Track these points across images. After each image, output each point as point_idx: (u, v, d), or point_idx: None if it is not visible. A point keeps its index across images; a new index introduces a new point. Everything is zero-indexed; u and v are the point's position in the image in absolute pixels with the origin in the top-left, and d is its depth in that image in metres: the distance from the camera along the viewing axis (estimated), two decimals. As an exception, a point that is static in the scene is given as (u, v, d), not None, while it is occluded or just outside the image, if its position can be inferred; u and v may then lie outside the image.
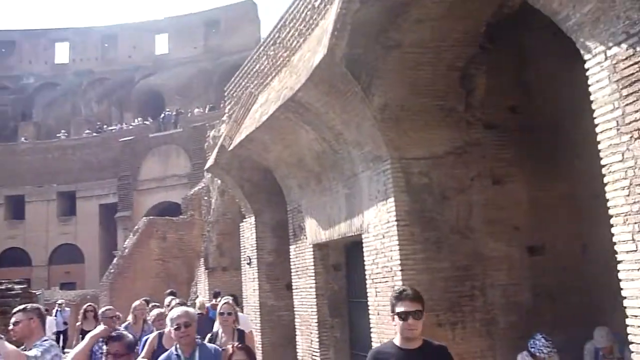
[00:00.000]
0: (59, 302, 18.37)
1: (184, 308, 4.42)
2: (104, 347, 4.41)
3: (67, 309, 18.25)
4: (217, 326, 6.13)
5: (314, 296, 9.34)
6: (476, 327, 6.90)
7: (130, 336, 4.28)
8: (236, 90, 11.58)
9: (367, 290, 7.56)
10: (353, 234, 8.05)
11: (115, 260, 21.02)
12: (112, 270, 20.11)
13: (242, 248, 12.51)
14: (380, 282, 7.22)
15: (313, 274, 9.43)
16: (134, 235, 20.87)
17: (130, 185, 34.70)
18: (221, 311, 5.93)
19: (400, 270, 6.76)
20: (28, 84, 44.56)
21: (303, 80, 7.27)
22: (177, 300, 8.59)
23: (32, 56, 45.13)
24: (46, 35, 46.15)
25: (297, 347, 10.04)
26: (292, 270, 10.26)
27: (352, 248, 8.90)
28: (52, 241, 35.78)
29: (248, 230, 12.17)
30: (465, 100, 7.27)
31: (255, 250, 11.78)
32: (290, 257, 10.35)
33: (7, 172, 36.38)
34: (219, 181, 14.11)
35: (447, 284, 6.87)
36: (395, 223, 6.84)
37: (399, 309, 3.16)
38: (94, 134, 38.13)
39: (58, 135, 39.40)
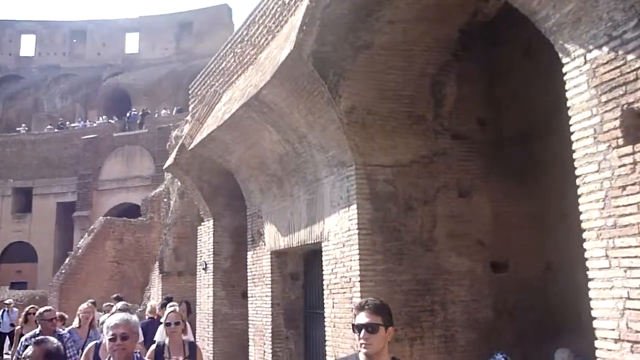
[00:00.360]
0: (7, 301, 17.50)
1: (123, 316, 3.54)
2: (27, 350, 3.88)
3: (15, 309, 17.37)
4: (161, 335, 5.51)
5: (270, 305, 8.93)
6: (435, 343, 6.60)
7: (56, 343, 3.68)
8: (201, 89, 11.16)
9: (325, 301, 7.21)
10: (313, 242, 7.70)
11: (67, 260, 20.17)
12: (63, 271, 19.26)
13: (198, 253, 12.03)
14: (338, 293, 6.87)
15: (269, 282, 9.03)
16: (89, 235, 20.07)
17: (91, 185, 33.64)
18: (167, 321, 5.18)
19: (359, 282, 6.44)
20: (-10, 75, 43.14)
21: (268, 77, 6.92)
22: (119, 306, 7.96)
23: (-4, 47, 43.76)
24: (12, 26, 44.83)
25: (250, 358, 9.59)
26: (249, 278, 9.84)
27: (312, 257, 8.55)
28: (5, 238, 34.34)
29: (205, 234, 11.71)
30: (434, 109, 7.02)
31: (212, 256, 11.32)
32: (247, 263, 9.93)
33: (-38, 164, 34.98)
34: (179, 183, 13.61)
35: (407, 298, 6.57)
36: (357, 231, 6.52)
37: (355, 321, 2.86)
38: (56, 130, 36.94)
39: (18, 129, 38.09)
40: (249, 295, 9.81)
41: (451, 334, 6.68)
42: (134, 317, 3.63)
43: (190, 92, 11.78)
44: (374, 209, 6.62)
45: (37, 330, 5.63)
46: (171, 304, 6.34)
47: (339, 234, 6.90)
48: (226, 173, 10.50)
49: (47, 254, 33.54)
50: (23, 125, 39.05)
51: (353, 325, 2.88)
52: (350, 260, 6.60)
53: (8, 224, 34.53)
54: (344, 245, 6.78)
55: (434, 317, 6.63)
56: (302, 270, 9.12)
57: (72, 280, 18.94)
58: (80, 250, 19.70)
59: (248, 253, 9.93)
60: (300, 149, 7.66)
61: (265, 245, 9.27)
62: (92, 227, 20.75)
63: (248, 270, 9.87)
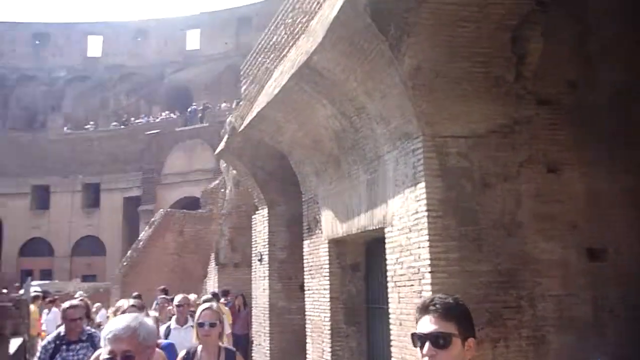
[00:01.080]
0: (77, 294, 17.25)
1: (129, 321, 2.25)
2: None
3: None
4: (193, 339, 4.39)
5: (328, 299, 8.02)
6: (522, 346, 5.50)
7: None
8: (252, 68, 10.35)
9: (389, 295, 6.23)
10: (374, 228, 6.73)
11: (129, 253, 20.02)
12: (124, 263, 19.10)
13: (253, 243, 11.29)
14: (404, 286, 5.88)
15: (328, 274, 8.12)
16: (149, 227, 19.84)
17: (154, 179, 33.95)
18: (200, 321, 4.00)
19: (430, 272, 5.42)
20: (60, 76, 44.25)
21: (319, 39, 5.99)
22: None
23: (65, 49, 44.82)
24: (79, 28, 45.86)
25: (307, 356, 8.73)
26: (305, 270, 8.97)
27: (374, 245, 7.57)
28: (75, 233, 35.20)
29: (260, 224, 10.93)
30: (516, 69, 5.88)
31: (267, 246, 10.53)
32: (304, 254, 9.06)
33: (35, 162, 35.99)
34: (234, 171, 12.92)
35: (487, 292, 5.50)
36: (426, 214, 5.50)
37: (417, 328, 1.89)
38: (121, 127, 37.49)
39: (86, 127, 38.90)
40: (305, 288, 8.95)
41: (542, 335, 5.56)
42: (146, 322, 2.36)
43: (241, 72, 11.00)
44: (445, 187, 5.58)
45: (61, 331, 4.81)
46: (205, 297, 5.36)
47: (405, 218, 5.90)
48: (280, 157, 9.67)
49: (114, 248, 34.05)
50: (91, 122, 39.87)
51: (413, 335, 1.91)
52: (419, 247, 5.59)
53: (78, 219, 35.31)
54: (410, 231, 5.78)
55: (521, 315, 5.53)
56: (364, 261, 8.16)
57: (133, 273, 18.74)
58: (141, 243, 19.49)
59: (304, 242, 9.06)
60: (358, 122, 6.69)
61: (322, 233, 8.37)
62: (152, 219, 20.54)
63: (304, 261, 9.00)
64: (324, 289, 8.17)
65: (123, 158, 35.62)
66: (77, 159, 35.99)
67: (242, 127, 9.32)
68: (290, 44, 8.34)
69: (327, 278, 8.09)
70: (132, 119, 38.93)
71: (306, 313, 8.85)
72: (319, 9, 7.29)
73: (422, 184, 5.57)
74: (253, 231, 11.31)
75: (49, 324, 15.06)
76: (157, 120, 37.01)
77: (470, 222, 5.56)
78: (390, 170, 6.26)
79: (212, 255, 13.84)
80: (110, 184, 35.20)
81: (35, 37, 45.12)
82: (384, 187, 6.41)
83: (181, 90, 42.00)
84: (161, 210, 21.43)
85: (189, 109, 36.71)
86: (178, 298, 6.31)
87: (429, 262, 5.44)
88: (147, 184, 33.87)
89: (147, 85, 43.43)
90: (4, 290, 19.26)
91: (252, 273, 11.23)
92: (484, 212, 5.62)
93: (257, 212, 11.11)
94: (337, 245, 8.16)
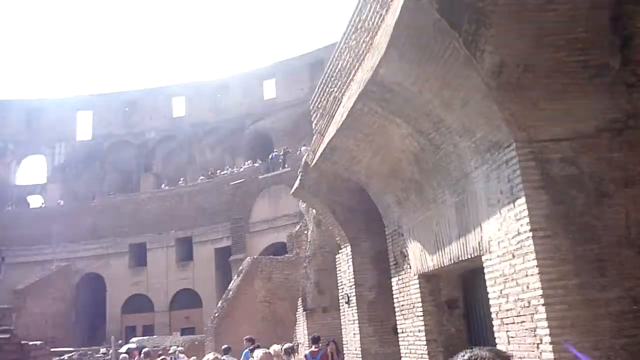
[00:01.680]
0: (172, 349, 17.16)
1: None
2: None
3: (181, 356, 17.05)
4: None
5: (424, 342, 7.07)
6: (675, 391, 4.34)
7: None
8: (320, 101, 9.81)
9: (496, 334, 5.24)
10: (470, 257, 5.79)
11: (219, 304, 19.76)
12: (216, 314, 18.82)
13: (339, 285, 10.51)
14: (513, 323, 4.89)
15: (421, 314, 7.19)
16: (238, 276, 19.56)
17: (243, 228, 34.08)
18: None
19: (544, 305, 4.43)
20: (149, 138, 46.25)
21: (383, 50, 5.29)
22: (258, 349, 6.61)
23: (152, 112, 46.89)
24: (164, 92, 47.95)
25: (408, 408, 7.74)
26: (396, 310, 8.07)
27: (471, 277, 6.60)
28: (172, 286, 35.81)
29: (344, 263, 10.17)
30: (621, 53, 4.89)
31: (354, 287, 9.72)
32: (393, 292, 8.17)
33: (131, 221, 37.30)
34: (313, 210, 12.32)
35: (619, 325, 4.42)
36: (530, 234, 4.56)
37: None
38: (207, 180, 38.29)
39: (179, 182, 40.12)
40: (399, 330, 8.02)
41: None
42: None
43: (311, 107, 10.49)
44: (551, 200, 4.62)
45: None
46: (287, 346, 4.73)
47: (505, 242, 4.95)
48: (358, 189, 8.94)
49: (210, 299, 34.21)
50: (181, 179, 41.07)
51: None
52: (526, 275, 4.62)
53: (174, 273, 35.97)
54: (513, 256, 4.83)
55: (669, 351, 4.39)
56: (461, 296, 7.17)
57: (225, 323, 18.40)
58: (231, 293, 19.20)
59: (392, 280, 8.19)
60: (438, 138, 5.87)
61: (410, 268, 7.48)
62: (240, 268, 20.27)
63: (395, 301, 8.10)
64: (419, 331, 7.22)
65: (212, 210, 36.17)
66: (169, 215, 36.93)
67: (314, 161, 8.70)
68: (356, 67, 7.70)
69: (422, 318, 7.16)
70: (218, 171, 39.72)
71: (402, 358, 7.91)
72: (381, 22, 6.62)
73: (522, 200, 4.64)
74: (338, 272, 10.56)
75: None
76: (241, 170, 37.49)
77: (588, 241, 4.55)
78: (480, 188, 5.36)
79: (299, 300, 13.18)
80: (201, 236, 35.74)
81: (125, 104, 47.59)
82: (475, 208, 5.51)
83: (262, 138, 42.60)
84: (248, 258, 21.17)
85: (270, 156, 36.97)
86: (258, 355, 5.67)
87: (541, 292, 4.46)
88: (236, 233, 34.05)
89: (229, 138, 44.42)
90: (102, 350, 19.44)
91: (342, 317, 10.43)
92: (605, 227, 4.59)
93: (340, 251, 10.38)
94: (428, 280, 7.24)
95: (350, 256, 9.85)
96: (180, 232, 36.35)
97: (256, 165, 37.19)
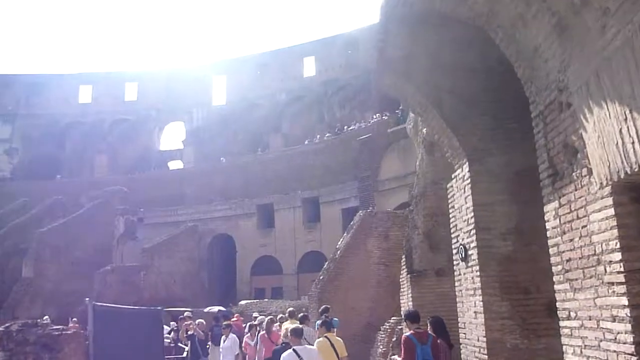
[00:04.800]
0: (258, 319, 14.00)
1: None
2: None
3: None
4: None
5: (627, 337, 2.74)
6: None
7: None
8: None
9: None
10: None
11: (325, 265, 16.24)
12: (321, 277, 15.34)
13: (452, 231, 6.28)
14: None
15: (621, 278, 2.85)
16: (347, 233, 15.88)
17: (371, 186, 30.34)
18: None
19: None
20: (280, 100, 44.07)
21: None
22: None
23: (283, 73, 44.63)
24: (294, 52, 45.38)
25: None
26: (556, 270, 3.75)
27: None
28: (300, 249, 33.23)
29: (459, 194, 5.91)
30: None
31: (474, 232, 5.46)
32: (549, 235, 3.84)
33: (259, 182, 35.35)
34: (424, 130, 8.12)
35: None
36: None
37: None
38: (333, 137, 34.99)
39: (306, 142, 37.45)
40: (560, 310, 3.71)
41: None
42: None
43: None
44: None
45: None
46: None
47: None
48: (482, 66, 4.68)
49: (337, 262, 31.10)
50: (307, 141, 38.29)
51: None
52: None
53: (301, 234, 33.39)
54: None
55: None
56: None
57: (331, 288, 14.84)
58: (339, 252, 15.57)
59: (546, 210, 3.85)
60: None
61: (590, 176, 3.14)
62: (351, 223, 16.53)
63: (552, 253, 3.78)
64: (613, 315, 2.90)
65: (338, 169, 32.86)
66: (296, 174, 34.34)
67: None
68: None
69: (622, 286, 2.83)
70: (345, 127, 36.25)
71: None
72: None
73: None
74: (451, 209, 6.32)
75: (226, 351, 11.85)
76: (369, 124, 33.59)
77: None
78: None
79: (402, 261, 9.01)
80: (328, 196, 32.62)
81: (257, 67, 45.84)
82: None
83: (393, 92, 38.21)
84: (360, 212, 17.33)
85: (400, 107, 32.59)
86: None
87: None
88: (363, 192, 30.41)
89: (359, 94, 40.70)
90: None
91: (456, 283, 6.19)
92: None
93: (453, 175, 6.13)
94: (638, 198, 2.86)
95: (469, 181, 5.58)
96: (306, 192, 33.57)
97: (384, 118, 33.08)
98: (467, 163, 5.58)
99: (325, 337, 6.91)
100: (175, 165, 45.90)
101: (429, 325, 6.35)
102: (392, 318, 11.74)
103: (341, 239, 16.12)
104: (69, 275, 28.74)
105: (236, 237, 35.04)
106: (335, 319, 13.36)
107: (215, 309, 19.10)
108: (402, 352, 6.23)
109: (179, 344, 12.99)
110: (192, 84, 46.31)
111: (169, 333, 15.28)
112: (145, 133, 46.63)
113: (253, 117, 43.37)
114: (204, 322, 12.92)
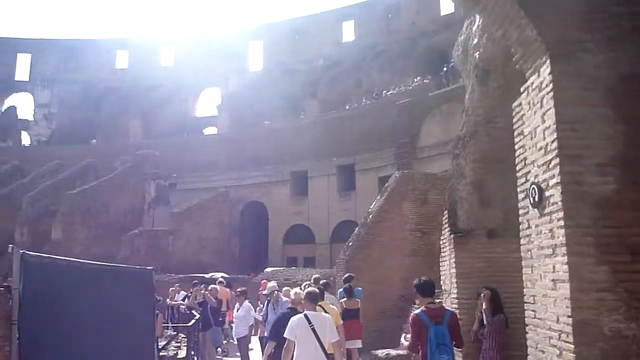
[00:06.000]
0: (269, 285, 12.71)
1: None
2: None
3: (282, 297, 12.46)
4: None
5: None
6: None
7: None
8: None
9: None
10: None
11: (355, 230, 14.53)
12: (350, 243, 13.66)
13: (518, 164, 4.44)
14: None
15: None
16: (381, 195, 14.09)
17: (409, 154, 28.31)
18: None
19: None
20: (317, 65, 42.12)
21: None
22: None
23: (321, 38, 42.57)
24: (333, 16, 43.22)
25: None
26: None
27: None
28: (333, 218, 31.58)
29: (531, 111, 4.06)
30: None
31: (557, 162, 3.63)
32: None
33: (293, 148, 33.76)
34: (476, 52, 6.22)
35: None
36: None
37: None
38: (370, 102, 32.94)
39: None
40: None
41: None
42: None
43: None
44: None
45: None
46: None
47: None
48: None
49: (372, 233, 29.37)
50: (348, 106, 36.35)
51: None
52: None
53: (335, 203, 31.74)
54: None
55: None
56: None
57: (361, 256, 13.14)
58: (371, 217, 13.82)
59: None
60: None
61: None
62: (385, 185, 14.71)
63: None
64: None
65: (375, 135, 30.86)
66: (331, 141, 32.53)
67: None
68: None
69: None
70: (384, 92, 34.12)
71: None
72: None
73: None
74: (517, 138, 4.47)
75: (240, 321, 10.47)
76: (409, 88, 31.39)
77: None
78: None
79: (444, 216, 7.11)
80: (363, 164, 30.74)
81: (294, 32, 43.96)
82: None
83: (436, 54, 35.70)
84: (396, 172, 15.47)
85: (444, 68, 30.26)
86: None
87: None
88: (401, 159, 28.37)
89: (399, 59, 38.41)
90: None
91: (522, 241, 4.37)
92: None
93: (524, 88, 4.26)
94: None
95: (551, 87, 3.72)
96: (342, 159, 31.77)
97: (426, 81, 30.83)
98: (548, 62, 3.72)
99: (319, 305, 6.23)
100: (210, 132, 44.77)
101: (482, 297, 4.65)
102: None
103: (374, 202, 14.35)
104: (99, 238, 28.00)
105: (268, 205, 33.69)
106: (359, 288, 11.80)
107: (218, 275, 17.81)
108: (410, 333, 4.86)
109: (193, 311, 11.66)
110: (228, 50, 44.83)
111: (184, 299, 14.06)
112: (181, 99, 45.59)
113: (289, 83, 41.65)
114: (218, 288, 11.51)
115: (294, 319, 5.45)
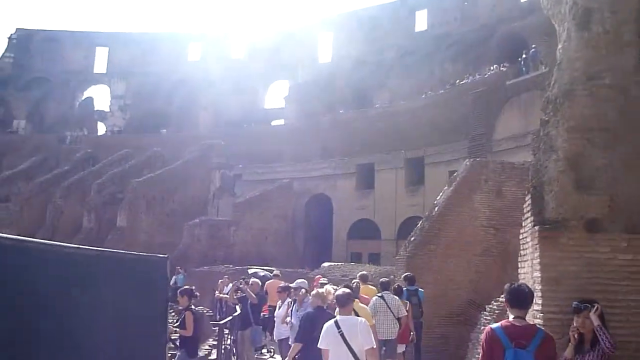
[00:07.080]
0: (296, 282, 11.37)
1: None
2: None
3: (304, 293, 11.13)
4: None
5: None
6: None
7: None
8: None
9: None
10: None
11: (419, 224, 12.93)
12: (412, 238, 12.10)
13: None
14: None
15: None
16: (449, 187, 12.41)
17: (484, 147, 26.19)
18: None
19: None
20: (388, 56, 40.38)
21: None
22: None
23: (392, 28, 40.84)
24: (405, 4, 41.31)
25: None
26: None
27: None
28: (400, 213, 29.80)
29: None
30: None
31: None
32: None
33: (360, 140, 32.36)
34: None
35: None
36: None
37: None
38: (441, 91, 30.88)
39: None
40: None
41: None
42: None
43: None
44: None
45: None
46: None
47: None
48: None
49: (441, 230, 27.41)
50: (423, 95, 34.39)
51: None
52: None
53: (402, 198, 29.99)
54: None
55: None
56: None
57: (424, 253, 11.57)
58: (437, 209, 12.18)
59: None
60: None
61: None
62: (454, 174, 12.99)
63: None
64: None
65: (447, 126, 28.89)
66: (400, 133, 30.84)
67: None
68: None
69: None
70: (457, 81, 31.92)
71: None
72: None
73: None
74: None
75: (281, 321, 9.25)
76: (485, 76, 29.08)
77: None
78: None
79: (526, 205, 5.41)
80: (434, 157, 28.80)
81: (365, 23, 42.44)
82: None
83: (514, 41, 33.06)
84: (467, 161, 13.70)
85: (523, 54, 27.77)
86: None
87: None
88: (474, 152, 26.20)
89: (474, 48, 36.00)
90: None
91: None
92: None
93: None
94: None
95: None
96: (410, 152, 29.98)
97: (503, 69, 28.44)
98: None
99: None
100: (278, 123, 44.16)
101: (578, 314, 3.17)
102: (502, 296, 8.41)
103: (441, 193, 12.70)
104: (163, 226, 27.84)
105: (333, 198, 32.42)
106: (421, 289, 10.30)
107: (256, 271, 16.67)
108: (481, 353, 3.77)
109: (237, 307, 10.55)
110: (299, 42, 44.05)
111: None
112: (251, 91, 45.27)
113: (359, 75, 40.24)
114: (259, 283, 10.34)
115: (326, 325, 5.14)
